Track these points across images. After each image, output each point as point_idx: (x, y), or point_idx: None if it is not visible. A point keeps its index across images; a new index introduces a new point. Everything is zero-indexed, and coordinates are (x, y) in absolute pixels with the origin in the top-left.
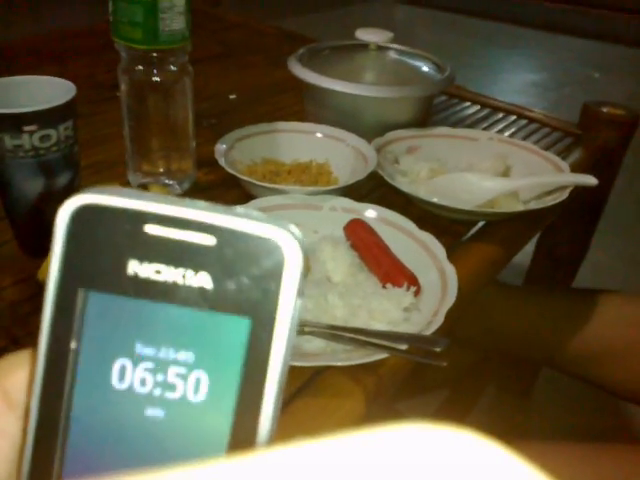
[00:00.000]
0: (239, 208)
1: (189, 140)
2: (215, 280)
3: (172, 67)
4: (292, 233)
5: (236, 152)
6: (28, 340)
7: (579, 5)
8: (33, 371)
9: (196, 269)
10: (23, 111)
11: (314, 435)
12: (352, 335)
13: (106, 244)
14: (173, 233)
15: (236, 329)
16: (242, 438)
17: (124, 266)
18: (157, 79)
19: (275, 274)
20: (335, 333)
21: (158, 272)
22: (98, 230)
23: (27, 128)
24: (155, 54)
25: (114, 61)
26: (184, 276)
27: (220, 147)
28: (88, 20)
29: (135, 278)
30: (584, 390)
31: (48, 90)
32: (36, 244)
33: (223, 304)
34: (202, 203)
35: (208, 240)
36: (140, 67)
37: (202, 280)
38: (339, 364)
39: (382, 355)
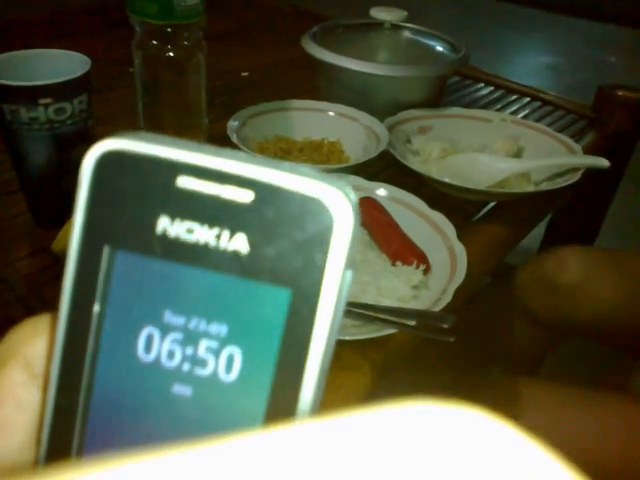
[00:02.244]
0: (286, 163)
1: (202, 117)
2: (253, 243)
3: (186, 43)
4: (345, 194)
5: (248, 129)
6: (44, 311)
7: None
8: (53, 337)
9: (232, 230)
10: (39, 84)
11: (321, 410)
12: (361, 311)
13: (134, 197)
14: (208, 187)
15: (275, 301)
16: (279, 422)
17: (153, 223)
18: (171, 54)
19: (322, 240)
20: (344, 308)
21: (190, 231)
22: (126, 181)
23: (42, 101)
24: (169, 29)
25: (129, 37)
26: (218, 237)
27: (232, 124)
28: None
29: (165, 237)
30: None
31: (63, 64)
32: (50, 216)
33: (261, 271)
34: (242, 155)
35: (247, 197)
36: (154, 42)
37: (238, 243)
38: (347, 338)
39: (390, 330)
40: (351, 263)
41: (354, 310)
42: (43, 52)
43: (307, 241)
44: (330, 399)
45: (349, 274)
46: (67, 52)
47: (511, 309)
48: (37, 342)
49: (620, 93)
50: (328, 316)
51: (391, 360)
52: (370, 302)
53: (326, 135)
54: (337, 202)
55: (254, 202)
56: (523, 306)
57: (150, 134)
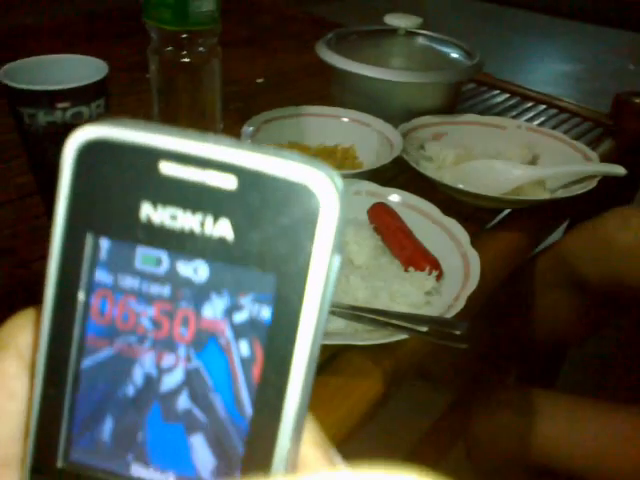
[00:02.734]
0: (270, 147)
1: (216, 122)
2: (237, 229)
3: (201, 49)
4: (331, 178)
5: (262, 135)
6: None
7: None
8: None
9: (216, 216)
10: (56, 88)
11: (331, 415)
12: (373, 316)
13: (117, 183)
14: (191, 173)
15: (260, 286)
16: (269, 409)
17: (137, 210)
18: (186, 60)
19: (308, 225)
20: (356, 313)
21: (174, 218)
22: (108, 167)
23: (60, 105)
24: (185, 35)
25: (145, 43)
26: (202, 223)
27: (247, 129)
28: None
29: (148, 224)
30: None
31: (81, 69)
32: None
33: (246, 257)
34: (227, 140)
35: (230, 182)
36: (170, 48)
37: (222, 229)
38: (359, 343)
39: (402, 336)
40: (338, 248)
41: (366, 315)
42: (61, 57)
43: (293, 226)
44: (340, 404)
45: (337, 259)
46: (84, 57)
47: (551, 284)
48: (29, 333)
49: (638, 101)
50: (316, 301)
51: (403, 366)
52: (382, 307)
53: (340, 141)
54: (323, 186)
55: (238, 188)
56: (571, 274)
57: (133, 121)
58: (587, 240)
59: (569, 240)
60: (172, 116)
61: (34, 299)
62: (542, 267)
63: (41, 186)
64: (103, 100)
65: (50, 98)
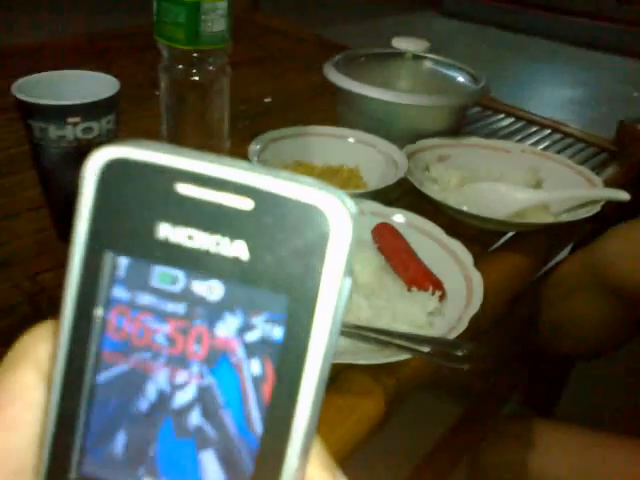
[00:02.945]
0: (284, 171)
1: (224, 140)
2: (251, 250)
3: (211, 68)
4: (342, 201)
5: (269, 153)
6: None
7: (620, 23)
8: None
9: (231, 236)
10: (68, 103)
11: (334, 433)
12: (375, 335)
13: (136, 203)
14: (208, 194)
15: (272, 307)
16: (278, 430)
17: (154, 229)
18: (196, 78)
19: (319, 247)
20: (359, 333)
21: (190, 238)
22: (128, 187)
23: (71, 120)
24: (195, 54)
25: (155, 61)
26: (218, 244)
27: (254, 147)
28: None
29: (166, 243)
30: None
31: (92, 85)
32: None
33: (258, 278)
34: (243, 163)
35: (246, 204)
36: (180, 66)
37: (237, 249)
38: (361, 362)
39: (404, 356)
40: (349, 271)
41: (368, 335)
42: (73, 73)
43: (305, 248)
44: (342, 423)
45: (348, 281)
46: (96, 74)
47: (578, 288)
48: (47, 344)
49: None
50: (326, 322)
51: (405, 386)
52: (385, 327)
53: (345, 161)
54: (335, 209)
55: (253, 209)
56: (604, 277)
57: (152, 142)
58: (622, 243)
59: (602, 244)
60: (181, 133)
61: (39, 311)
62: (569, 271)
63: (50, 199)
64: (113, 116)
65: (61, 113)
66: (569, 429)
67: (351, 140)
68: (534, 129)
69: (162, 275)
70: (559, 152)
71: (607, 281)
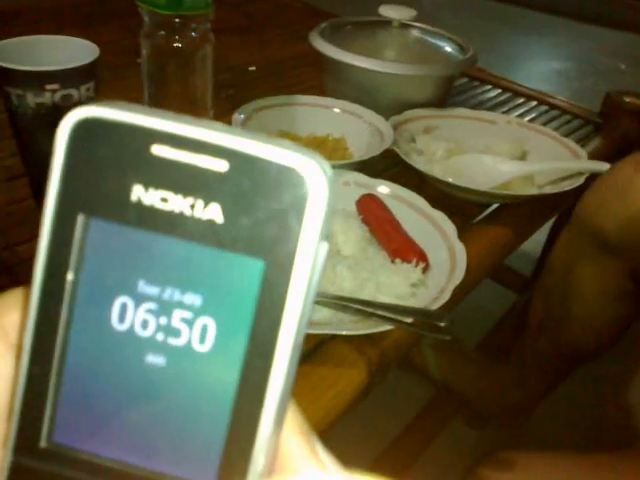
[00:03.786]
0: (261, 134)
1: (207, 109)
2: (226, 213)
3: (194, 34)
4: (320, 165)
5: (253, 123)
6: None
7: None
8: (27, 307)
9: (206, 199)
10: (46, 69)
11: (315, 403)
12: (358, 306)
13: (109, 165)
14: (182, 156)
15: (248, 271)
16: (252, 394)
17: (128, 191)
18: (178, 45)
19: (296, 210)
20: (342, 304)
21: (164, 200)
22: (101, 148)
23: (50, 87)
24: (177, 20)
25: (137, 28)
26: (193, 207)
27: (238, 117)
28: None
29: (139, 205)
30: None
31: (72, 51)
32: None
33: (234, 242)
34: (219, 125)
35: (221, 166)
36: (162, 32)
37: (212, 212)
38: (344, 333)
39: (387, 327)
40: (326, 235)
41: (352, 306)
42: (51, 38)
43: (281, 211)
44: (325, 393)
45: (324, 246)
46: (75, 39)
47: (580, 256)
48: (13, 313)
49: (628, 100)
50: (302, 287)
51: (387, 357)
52: (368, 298)
53: (331, 132)
54: (312, 173)
55: (229, 171)
56: (593, 233)
57: (127, 103)
58: (603, 192)
59: (585, 197)
60: (162, 102)
61: (18, 283)
62: (568, 240)
63: (28, 169)
64: (93, 83)
65: (39, 79)
66: (571, 460)
67: (337, 110)
68: (521, 100)
69: (135, 238)
70: (545, 124)
71: (596, 235)
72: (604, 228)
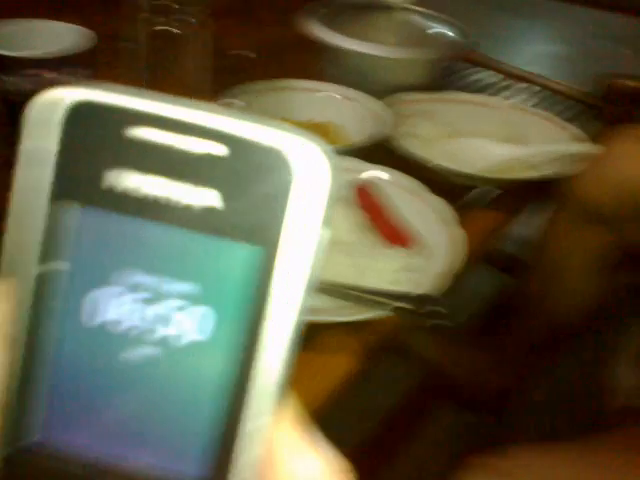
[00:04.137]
0: (260, 117)
1: (204, 94)
2: (221, 199)
3: (191, 19)
4: (322, 149)
5: (249, 108)
6: None
7: None
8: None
9: (200, 185)
10: (43, 56)
11: (310, 389)
12: (353, 292)
13: (95, 150)
14: (171, 138)
15: (245, 259)
16: (248, 383)
17: (115, 177)
18: (176, 30)
19: (296, 197)
20: (337, 289)
21: (152, 185)
22: (84, 133)
23: (46, 73)
24: (175, 5)
25: (135, 13)
26: (186, 192)
27: (234, 102)
28: None
29: (126, 191)
30: None
31: (68, 37)
32: None
33: (230, 228)
34: (212, 106)
35: (216, 150)
36: (160, 18)
37: (207, 198)
38: (339, 319)
39: (383, 312)
40: (328, 221)
41: (346, 292)
42: (47, 24)
43: (279, 197)
44: (320, 379)
45: (326, 233)
46: (72, 26)
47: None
48: (3, 304)
49: (630, 84)
50: (302, 275)
51: (382, 342)
52: (363, 284)
53: (327, 117)
54: (314, 157)
55: (225, 156)
56: (585, 209)
57: (113, 85)
58: (602, 165)
59: (583, 173)
60: (159, 87)
61: None
62: (556, 215)
63: None
64: (90, 70)
65: (35, 66)
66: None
67: (335, 95)
68: (520, 84)
69: (124, 225)
70: (545, 108)
71: (590, 209)
72: (600, 201)
